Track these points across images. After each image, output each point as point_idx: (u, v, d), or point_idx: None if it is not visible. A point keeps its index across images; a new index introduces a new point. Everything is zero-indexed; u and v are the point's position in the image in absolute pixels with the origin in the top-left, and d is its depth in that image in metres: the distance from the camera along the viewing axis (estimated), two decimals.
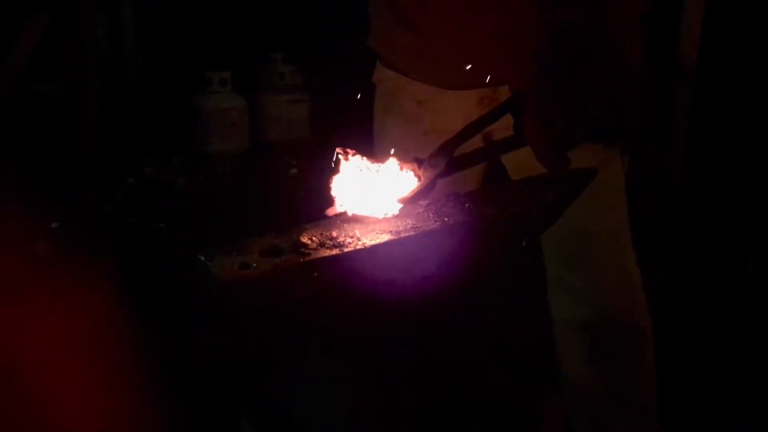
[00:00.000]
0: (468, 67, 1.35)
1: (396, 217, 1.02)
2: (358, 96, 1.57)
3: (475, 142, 1.10)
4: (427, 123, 1.42)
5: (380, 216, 1.01)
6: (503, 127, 1.09)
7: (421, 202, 1.06)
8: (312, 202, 1.08)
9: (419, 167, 1.05)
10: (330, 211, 1.02)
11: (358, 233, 0.94)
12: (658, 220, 2.62)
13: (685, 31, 2.71)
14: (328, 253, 0.89)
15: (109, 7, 2.64)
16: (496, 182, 1.49)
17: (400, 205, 1.02)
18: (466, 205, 1.05)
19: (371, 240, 0.93)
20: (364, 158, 1.04)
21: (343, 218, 1.01)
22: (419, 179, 1.05)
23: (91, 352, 0.95)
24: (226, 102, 2.80)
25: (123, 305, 0.98)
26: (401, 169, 1.05)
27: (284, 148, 2.84)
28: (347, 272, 0.90)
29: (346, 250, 0.90)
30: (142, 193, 2.27)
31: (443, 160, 1.04)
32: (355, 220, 1.00)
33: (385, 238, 0.94)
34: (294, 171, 2.55)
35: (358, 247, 0.91)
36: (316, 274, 0.87)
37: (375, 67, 1.53)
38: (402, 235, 0.95)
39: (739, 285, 2.51)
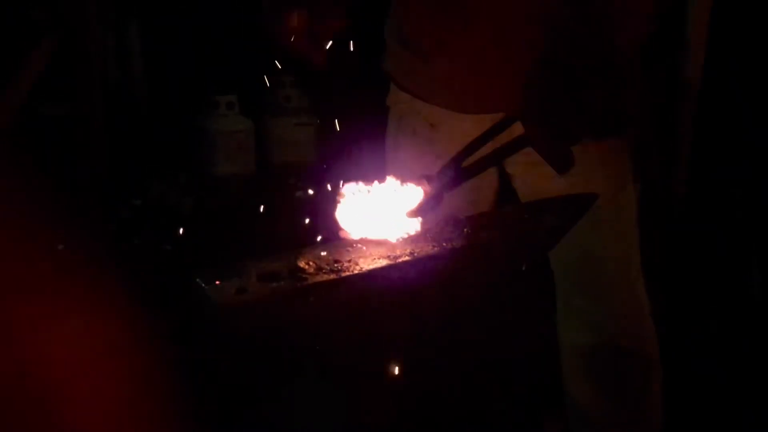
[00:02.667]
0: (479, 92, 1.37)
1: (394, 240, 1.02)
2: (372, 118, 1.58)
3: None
4: (439, 147, 1.42)
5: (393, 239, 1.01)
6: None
7: (420, 226, 1.06)
8: (315, 225, 1.09)
9: (428, 182, 1.06)
10: (342, 234, 1.03)
11: (355, 258, 0.95)
12: (661, 243, 2.61)
13: (688, 47, 2.71)
14: (325, 278, 0.89)
15: (117, 29, 2.66)
16: (506, 206, 1.49)
17: (411, 220, 1.03)
18: (465, 229, 1.05)
19: (369, 265, 0.93)
20: (367, 184, 1.05)
21: (343, 242, 1.01)
22: (427, 193, 1.06)
23: (100, 363, 0.95)
24: (233, 124, 2.81)
25: (129, 323, 0.98)
26: (409, 185, 1.06)
27: (290, 170, 2.85)
28: (344, 297, 0.90)
29: (343, 275, 0.90)
30: (148, 215, 2.28)
31: (452, 173, 1.05)
32: (362, 243, 1.01)
33: (383, 263, 0.94)
34: (299, 193, 2.55)
35: (356, 272, 0.91)
36: (312, 299, 0.87)
37: (389, 90, 1.54)
38: (399, 260, 0.95)
39: (744, 309, 2.49)
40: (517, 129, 1.10)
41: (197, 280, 0.86)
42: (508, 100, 1.34)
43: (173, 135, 2.71)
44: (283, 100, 2.94)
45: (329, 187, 1.06)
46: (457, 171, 1.06)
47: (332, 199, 1.03)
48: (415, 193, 1.06)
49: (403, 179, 1.07)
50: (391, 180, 1.07)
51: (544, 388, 1.79)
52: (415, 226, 1.04)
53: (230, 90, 2.79)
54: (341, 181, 1.05)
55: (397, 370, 1.00)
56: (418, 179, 1.06)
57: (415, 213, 1.04)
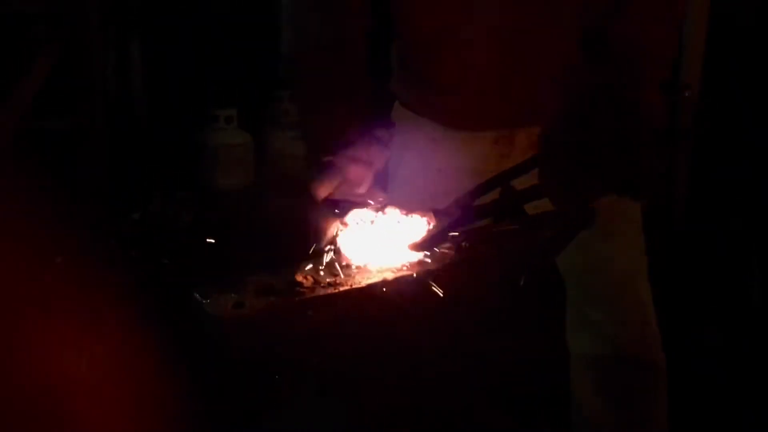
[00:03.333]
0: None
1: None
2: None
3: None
4: (441, 160, 1.44)
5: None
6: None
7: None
8: (313, 239, 1.09)
9: (435, 217, 1.06)
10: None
11: (353, 272, 0.95)
12: (661, 248, 2.61)
13: (686, 60, 2.72)
14: (322, 292, 0.90)
15: (117, 44, 2.67)
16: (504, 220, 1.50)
17: (412, 252, 1.02)
18: (463, 243, 1.05)
19: (366, 279, 0.93)
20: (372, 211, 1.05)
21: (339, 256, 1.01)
22: (433, 228, 1.05)
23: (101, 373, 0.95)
24: (232, 138, 2.82)
25: (128, 337, 0.98)
26: (415, 216, 1.06)
27: (289, 184, 2.86)
28: (342, 311, 0.90)
29: (340, 289, 0.90)
30: (147, 229, 2.28)
31: (459, 210, 1.05)
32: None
33: (380, 277, 0.94)
34: (297, 207, 2.55)
35: (353, 286, 0.92)
36: (310, 313, 0.88)
37: (393, 106, 1.56)
38: (397, 274, 0.96)
39: (744, 310, 2.49)
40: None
41: (195, 294, 0.86)
42: (513, 116, 1.36)
43: (173, 149, 2.72)
44: (281, 113, 2.95)
45: (331, 209, 1.07)
46: (468, 209, 1.05)
47: (331, 221, 1.04)
48: (419, 225, 1.05)
49: (410, 209, 1.07)
50: (395, 210, 1.07)
51: (543, 395, 1.79)
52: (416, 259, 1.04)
53: (229, 104, 2.80)
54: (344, 207, 1.06)
55: (395, 382, 1.00)
56: (425, 212, 1.06)
57: (418, 247, 1.03)
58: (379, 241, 1.01)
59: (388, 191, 1.49)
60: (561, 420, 1.66)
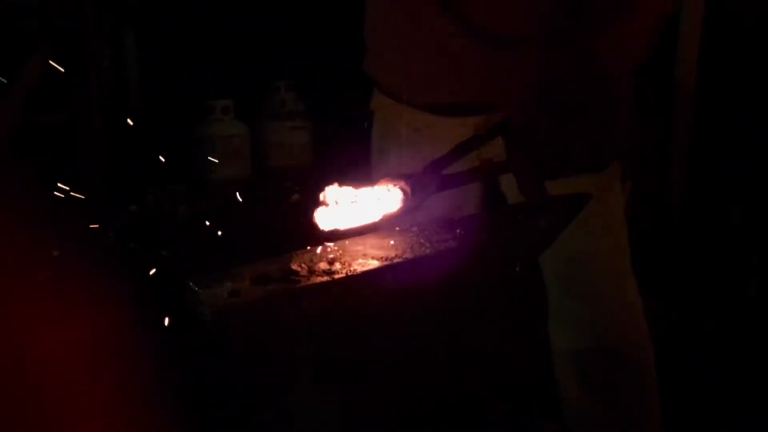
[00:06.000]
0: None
1: (387, 241, 1.02)
2: (365, 125, 1.59)
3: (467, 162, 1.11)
4: (424, 150, 1.43)
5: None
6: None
7: (413, 228, 1.07)
8: (310, 228, 1.09)
9: (407, 184, 1.05)
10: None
11: (349, 260, 0.95)
12: (659, 246, 2.61)
13: (682, 52, 2.72)
14: (318, 280, 0.90)
15: (112, 37, 2.66)
16: (499, 207, 1.49)
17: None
18: (458, 231, 1.05)
19: (362, 267, 0.93)
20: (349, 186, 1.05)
21: (335, 243, 1.01)
22: (407, 196, 1.05)
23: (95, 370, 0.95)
24: (228, 129, 2.81)
25: (126, 329, 0.98)
26: (390, 186, 1.05)
27: (286, 174, 2.86)
28: (338, 299, 0.90)
29: (336, 277, 0.91)
30: (144, 221, 2.28)
31: (432, 178, 1.05)
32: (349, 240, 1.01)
33: (376, 264, 0.94)
34: (295, 197, 2.55)
35: (349, 274, 0.92)
36: (305, 301, 0.88)
37: (372, 94, 1.55)
38: (393, 261, 0.96)
39: (743, 309, 2.49)
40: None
41: (190, 283, 0.87)
42: (489, 102, 1.35)
43: (169, 140, 2.71)
44: (278, 104, 2.94)
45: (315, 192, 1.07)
46: (437, 177, 1.05)
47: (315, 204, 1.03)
48: (393, 196, 1.05)
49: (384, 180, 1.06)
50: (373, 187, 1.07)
51: (541, 388, 1.79)
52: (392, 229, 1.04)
53: (225, 95, 2.80)
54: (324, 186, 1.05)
55: (390, 371, 1.00)
56: (396, 179, 1.05)
57: (395, 217, 1.02)
58: (363, 220, 1.01)
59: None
60: (558, 408, 1.66)
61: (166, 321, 0.98)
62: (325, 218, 0.99)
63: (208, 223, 1.97)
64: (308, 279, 0.90)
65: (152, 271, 1.37)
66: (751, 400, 2.08)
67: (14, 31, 2.21)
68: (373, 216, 1.02)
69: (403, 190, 1.03)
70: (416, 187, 1.03)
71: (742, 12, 2.68)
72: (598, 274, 1.50)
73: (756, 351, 2.27)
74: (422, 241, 1.03)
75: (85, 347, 0.96)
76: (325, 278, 0.90)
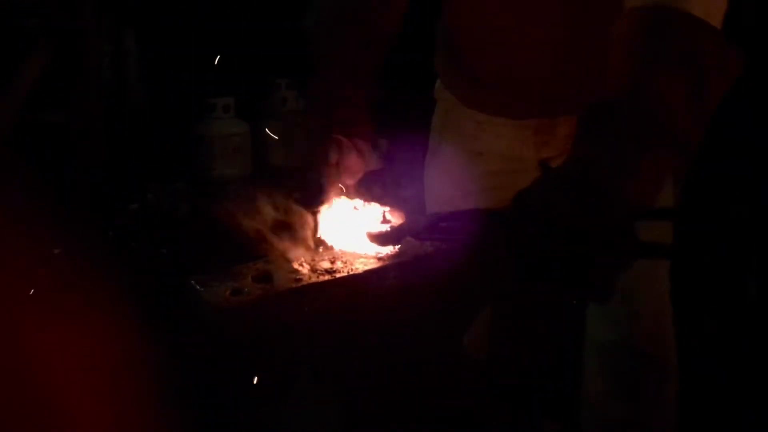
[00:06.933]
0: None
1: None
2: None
3: None
4: (483, 143, 1.45)
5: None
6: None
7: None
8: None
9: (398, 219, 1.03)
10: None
11: (350, 259, 0.95)
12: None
13: None
14: (319, 279, 0.90)
15: (113, 35, 2.66)
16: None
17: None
18: (463, 227, 1.05)
19: (363, 266, 0.93)
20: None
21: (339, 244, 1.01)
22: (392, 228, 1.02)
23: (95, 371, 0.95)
24: (229, 128, 2.81)
25: (127, 327, 0.98)
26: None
27: (287, 172, 2.85)
28: (338, 298, 0.90)
29: (337, 275, 0.91)
30: (145, 219, 2.28)
31: (426, 224, 1.00)
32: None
33: (377, 264, 0.94)
34: (297, 195, 2.55)
35: (350, 273, 0.92)
36: (306, 300, 0.88)
37: (436, 83, 1.56)
38: (395, 260, 0.96)
39: (744, 309, 2.49)
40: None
41: (192, 282, 0.87)
42: (555, 109, 1.36)
43: (170, 139, 2.71)
44: (279, 102, 2.94)
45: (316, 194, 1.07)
46: (432, 228, 1.01)
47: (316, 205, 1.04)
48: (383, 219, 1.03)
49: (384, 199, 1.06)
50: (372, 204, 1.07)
51: (542, 387, 1.79)
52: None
53: (226, 93, 2.80)
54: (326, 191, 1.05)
55: (391, 371, 1.00)
56: (393, 210, 1.04)
57: (374, 238, 0.98)
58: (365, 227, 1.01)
59: (425, 169, 1.50)
60: (561, 412, 1.66)
61: (167, 320, 0.98)
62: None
63: (210, 222, 1.97)
64: (309, 278, 0.90)
65: (153, 270, 1.37)
66: (751, 400, 2.07)
67: (14, 31, 2.21)
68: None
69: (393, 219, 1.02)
70: (406, 224, 0.99)
71: (742, 12, 2.68)
72: (639, 269, 1.50)
73: (756, 351, 2.26)
74: (422, 239, 1.02)
75: (85, 347, 0.96)
76: (327, 277, 0.90)
